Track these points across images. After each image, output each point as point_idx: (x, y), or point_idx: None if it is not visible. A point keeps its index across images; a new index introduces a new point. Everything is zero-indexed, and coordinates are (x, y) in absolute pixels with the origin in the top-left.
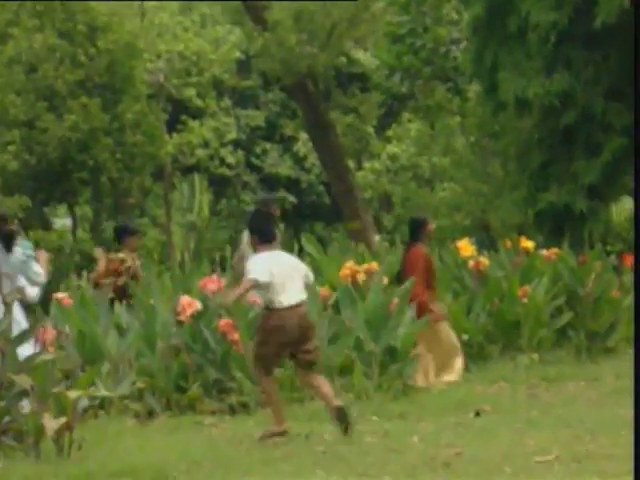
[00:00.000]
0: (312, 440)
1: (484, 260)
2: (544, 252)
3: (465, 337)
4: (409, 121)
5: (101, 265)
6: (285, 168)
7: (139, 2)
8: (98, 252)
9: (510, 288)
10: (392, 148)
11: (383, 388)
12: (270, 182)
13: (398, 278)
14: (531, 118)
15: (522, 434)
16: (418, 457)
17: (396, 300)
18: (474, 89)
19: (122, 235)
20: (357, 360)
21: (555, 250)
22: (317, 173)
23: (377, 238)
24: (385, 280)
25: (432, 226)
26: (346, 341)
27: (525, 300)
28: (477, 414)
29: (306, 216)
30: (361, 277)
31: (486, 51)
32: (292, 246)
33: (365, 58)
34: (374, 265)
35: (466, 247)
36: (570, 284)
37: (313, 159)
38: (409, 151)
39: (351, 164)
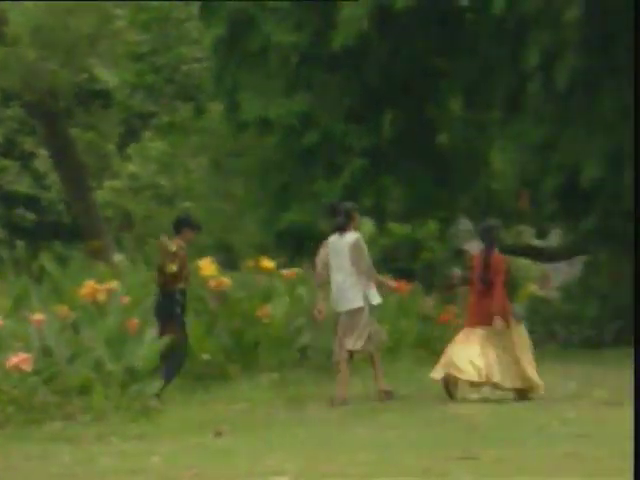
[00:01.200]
0: (49, 461)
1: (225, 280)
2: (284, 272)
3: (206, 357)
4: (150, 140)
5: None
6: (24, 185)
7: None
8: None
9: (251, 308)
10: (133, 167)
11: (122, 408)
12: (9, 199)
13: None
14: (272, 138)
15: (261, 454)
16: (157, 478)
17: (136, 320)
18: (216, 108)
19: (182, 226)
20: (97, 380)
21: (295, 270)
22: (57, 190)
23: (118, 257)
24: (126, 299)
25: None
26: (85, 361)
27: (266, 320)
28: (217, 434)
29: (46, 235)
30: (102, 296)
31: (227, 70)
32: (31, 265)
33: (107, 75)
34: (115, 284)
35: (207, 267)
36: (310, 304)
37: (53, 177)
38: (150, 170)
39: (92, 182)
